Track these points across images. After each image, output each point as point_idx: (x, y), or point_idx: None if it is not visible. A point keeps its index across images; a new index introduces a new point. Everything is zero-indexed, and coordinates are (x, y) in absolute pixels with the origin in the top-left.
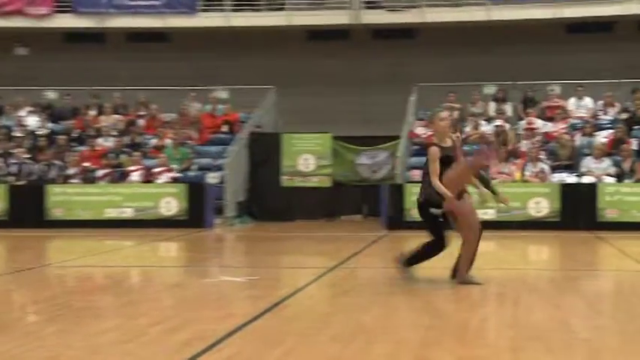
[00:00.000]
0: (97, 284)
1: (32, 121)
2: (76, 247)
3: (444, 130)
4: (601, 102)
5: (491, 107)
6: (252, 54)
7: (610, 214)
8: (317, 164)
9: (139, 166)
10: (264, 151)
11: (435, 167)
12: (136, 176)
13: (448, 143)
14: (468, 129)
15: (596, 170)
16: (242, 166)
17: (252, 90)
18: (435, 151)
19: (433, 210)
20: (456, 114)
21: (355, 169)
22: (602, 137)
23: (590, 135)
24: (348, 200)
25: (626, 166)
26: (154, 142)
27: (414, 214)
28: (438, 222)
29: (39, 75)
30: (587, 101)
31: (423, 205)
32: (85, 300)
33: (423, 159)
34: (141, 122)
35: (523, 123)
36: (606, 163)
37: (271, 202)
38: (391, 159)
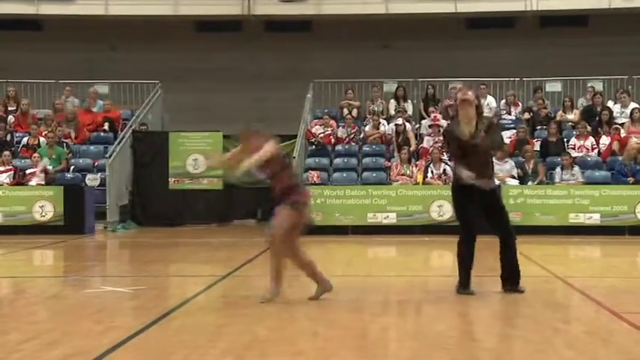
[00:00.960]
0: None
1: None
2: None
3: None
4: (503, 101)
5: (392, 105)
6: (135, 46)
7: (513, 218)
8: (207, 165)
9: (9, 167)
10: (150, 151)
11: None
12: (5, 178)
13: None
14: (367, 128)
15: (499, 172)
16: (125, 167)
17: (135, 85)
18: None
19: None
20: (355, 112)
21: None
22: (505, 138)
23: None
24: (242, 204)
25: (529, 167)
26: (25, 140)
27: (313, 217)
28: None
29: None
30: (490, 100)
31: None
32: None
33: (321, 160)
34: (10, 118)
35: (425, 122)
36: (509, 164)
37: (157, 205)
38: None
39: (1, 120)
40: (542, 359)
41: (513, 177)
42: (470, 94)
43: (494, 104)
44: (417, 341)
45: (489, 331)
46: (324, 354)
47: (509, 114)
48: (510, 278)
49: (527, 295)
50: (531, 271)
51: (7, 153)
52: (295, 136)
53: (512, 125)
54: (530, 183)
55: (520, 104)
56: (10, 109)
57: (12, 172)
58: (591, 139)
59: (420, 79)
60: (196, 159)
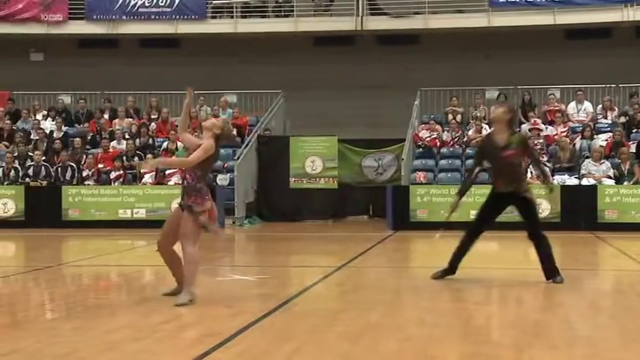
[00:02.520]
0: (111, 283)
1: (48, 125)
2: (91, 246)
3: None
4: (600, 106)
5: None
6: (261, 59)
7: (609, 215)
8: (324, 166)
9: (152, 169)
10: (273, 154)
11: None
12: (148, 178)
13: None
14: (470, 132)
15: (595, 172)
16: (251, 168)
17: (260, 94)
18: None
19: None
20: (458, 117)
21: (361, 171)
22: (602, 140)
23: (590, 138)
24: (355, 201)
25: (625, 168)
26: (165, 144)
27: (419, 214)
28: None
29: (54, 80)
30: (587, 105)
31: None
32: (100, 298)
33: (428, 161)
34: (153, 125)
35: (526, 126)
36: (605, 165)
37: (280, 203)
38: (396, 161)
39: (145, 126)
40: (638, 348)
41: (609, 177)
42: (498, 111)
43: (590, 109)
44: (518, 329)
45: (586, 320)
46: (431, 339)
47: (606, 118)
48: (549, 270)
49: (623, 287)
50: (627, 266)
51: (150, 156)
52: (404, 140)
53: (608, 129)
54: (625, 183)
55: (616, 109)
56: (152, 117)
57: (154, 172)
58: None
59: (520, 87)
60: (314, 161)
